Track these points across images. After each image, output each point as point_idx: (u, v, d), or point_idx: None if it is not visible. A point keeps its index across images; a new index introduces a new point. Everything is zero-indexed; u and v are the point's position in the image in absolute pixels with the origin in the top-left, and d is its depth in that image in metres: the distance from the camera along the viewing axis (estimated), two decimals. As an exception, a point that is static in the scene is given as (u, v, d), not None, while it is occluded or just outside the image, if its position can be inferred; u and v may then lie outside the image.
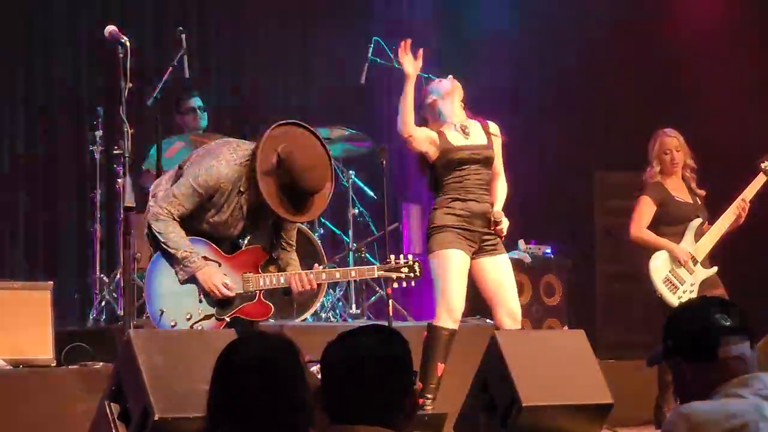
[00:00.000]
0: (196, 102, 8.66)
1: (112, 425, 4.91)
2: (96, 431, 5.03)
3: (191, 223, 5.56)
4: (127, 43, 5.57)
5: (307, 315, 7.90)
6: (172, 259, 5.49)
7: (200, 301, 5.55)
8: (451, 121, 6.27)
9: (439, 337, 6.07)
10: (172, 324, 5.50)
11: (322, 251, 7.98)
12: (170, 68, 8.32)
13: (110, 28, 5.70)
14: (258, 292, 5.62)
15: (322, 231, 8.49)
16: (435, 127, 6.26)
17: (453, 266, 6.07)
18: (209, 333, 5.41)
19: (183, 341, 5.16)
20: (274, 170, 5.44)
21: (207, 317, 5.55)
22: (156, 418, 4.70)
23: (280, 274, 5.64)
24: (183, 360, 4.88)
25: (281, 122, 5.65)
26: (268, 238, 5.77)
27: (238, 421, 2.66)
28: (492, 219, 6.18)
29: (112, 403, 4.96)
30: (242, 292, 5.60)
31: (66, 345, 6.77)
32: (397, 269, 5.96)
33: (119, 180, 7.60)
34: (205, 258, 5.56)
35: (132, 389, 4.87)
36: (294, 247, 5.79)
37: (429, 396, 6.02)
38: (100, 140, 7.98)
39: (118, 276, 7.60)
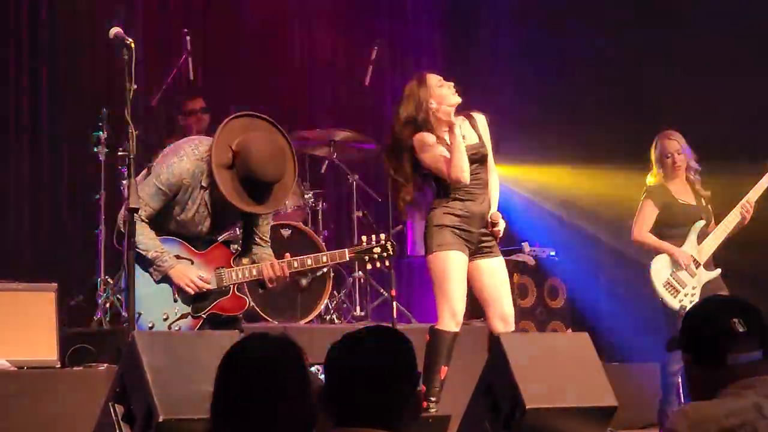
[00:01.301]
0: (199, 103, 8.67)
1: (116, 426, 4.91)
2: (100, 432, 5.04)
3: (160, 222, 5.58)
4: (132, 45, 5.58)
5: (311, 317, 7.90)
6: (144, 261, 5.51)
7: (175, 301, 5.56)
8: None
9: (442, 341, 6.05)
10: (150, 326, 5.52)
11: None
12: (174, 70, 8.35)
13: (115, 30, 5.71)
14: (232, 286, 5.62)
15: (326, 233, 8.49)
16: (433, 131, 6.17)
17: (454, 268, 6.03)
18: (213, 334, 5.41)
19: (187, 343, 5.15)
20: (231, 163, 5.44)
21: (183, 316, 5.57)
22: (160, 419, 4.69)
23: (252, 266, 5.64)
24: (187, 361, 4.88)
25: (237, 114, 5.63)
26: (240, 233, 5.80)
27: (241, 422, 2.66)
28: (489, 221, 6.17)
29: (116, 405, 4.95)
30: (216, 287, 5.60)
31: (70, 346, 6.78)
32: (370, 250, 5.89)
33: (124, 181, 7.60)
34: (178, 257, 5.57)
35: (136, 390, 4.87)
36: (269, 243, 5.78)
37: (433, 399, 6.02)
38: (105, 142, 7.99)
39: (122, 277, 7.61)
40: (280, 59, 9.95)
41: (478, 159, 6.16)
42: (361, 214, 8.72)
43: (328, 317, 8.12)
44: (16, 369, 6.26)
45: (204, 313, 5.60)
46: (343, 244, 8.88)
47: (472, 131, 6.24)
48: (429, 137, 6.09)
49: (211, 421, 2.71)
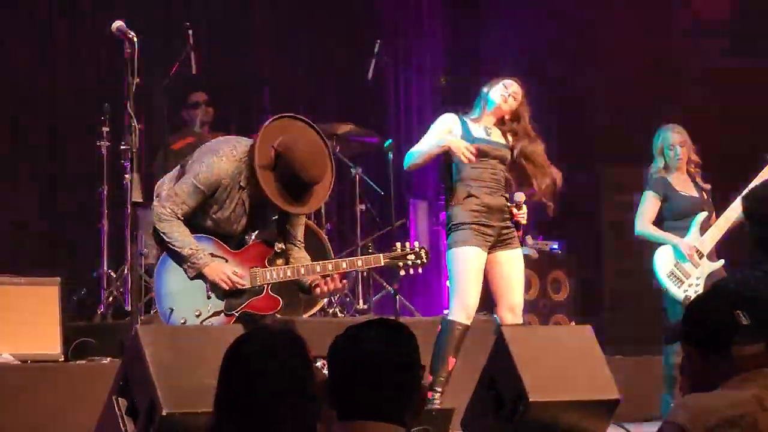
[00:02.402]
0: (202, 96, 8.66)
1: (120, 420, 4.92)
2: (103, 426, 5.04)
3: (195, 220, 5.56)
4: (135, 39, 5.57)
5: (314, 310, 7.90)
6: (179, 257, 5.50)
7: (208, 298, 5.56)
8: (481, 123, 6.31)
9: (452, 331, 6.12)
10: (182, 321, 5.50)
11: (329, 247, 7.98)
12: (177, 63, 8.34)
13: (117, 24, 5.70)
14: (266, 286, 5.62)
15: (329, 227, 8.49)
16: (470, 115, 6.31)
17: (468, 263, 6.12)
18: (217, 328, 5.41)
19: (190, 336, 5.17)
20: (273, 164, 5.44)
21: (216, 314, 5.55)
22: (163, 413, 4.70)
23: (286, 267, 5.63)
24: (190, 355, 4.88)
25: (278, 116, 5.64)
26: (274, 233, 5.78)
27: (245, 416, 2.66)
28: (515, 202, 6.23)
29: (119, 398, 4.96)
30: (250, 286, 5.60)
31: (73, 340, 6.79)
32: (403, 257, 5.91)
33: (126, 175, 7.61)
34: (212, 255, 5.56)
35: (139, 384, 4.87)
36: (303, 245, 5.78)
37: (438, 389, 6.05)
38: (107, 136, 7.99)
39: (126, 271, 7.62)
40: (283, 54, 9.93)
41: (499, 157, 6.29)
42: (363, 207, 8.72)
43: (331, 311, 8.12)
44: (19, 363, 6.27)
45: (236, 311, 5.59)
46: (345, 238, 8.93)
47: (503, 137, 6.36)
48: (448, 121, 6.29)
49: (215, 415, 2.71)
